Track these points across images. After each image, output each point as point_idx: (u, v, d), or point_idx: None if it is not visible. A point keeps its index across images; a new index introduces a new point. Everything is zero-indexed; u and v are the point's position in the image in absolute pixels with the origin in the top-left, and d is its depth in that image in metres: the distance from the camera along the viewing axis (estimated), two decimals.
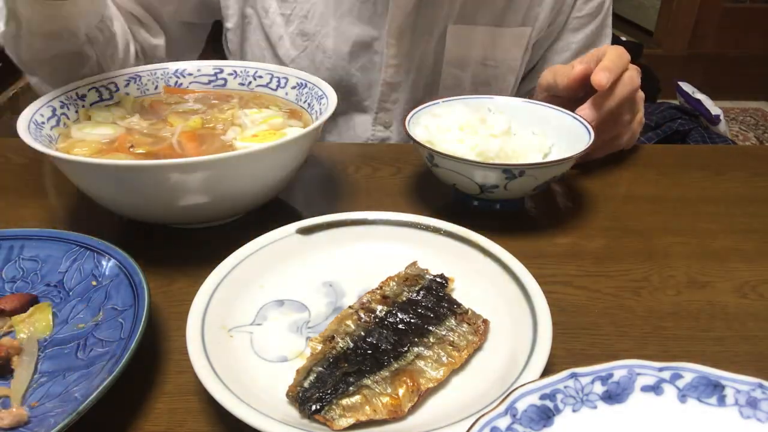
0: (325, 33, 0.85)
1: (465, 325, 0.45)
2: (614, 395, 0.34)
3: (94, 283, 0.48)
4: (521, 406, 0.33)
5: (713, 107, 1.98)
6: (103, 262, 0.49)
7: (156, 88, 0.71)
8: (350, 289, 0.49)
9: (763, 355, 0.46)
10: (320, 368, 0.40)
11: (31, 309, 0.46)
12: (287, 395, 0.39)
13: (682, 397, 0.34)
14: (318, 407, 0.38)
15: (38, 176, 0.70)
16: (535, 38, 0.89)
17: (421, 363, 0.42)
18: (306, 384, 0.39)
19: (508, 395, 0.33)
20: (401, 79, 0.88)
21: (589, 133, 0.61)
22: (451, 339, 0.44)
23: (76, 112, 0.63)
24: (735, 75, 3.20)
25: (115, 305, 0.45)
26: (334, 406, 0.38)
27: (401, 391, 0.39)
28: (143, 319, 0.42)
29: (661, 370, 0.35)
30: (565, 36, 0.90)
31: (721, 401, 0.34)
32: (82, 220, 0.59)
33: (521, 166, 0.56)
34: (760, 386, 0.34)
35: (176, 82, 0.72)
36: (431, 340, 0.43)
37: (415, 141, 0.60)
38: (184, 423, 0.40)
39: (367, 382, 0.40)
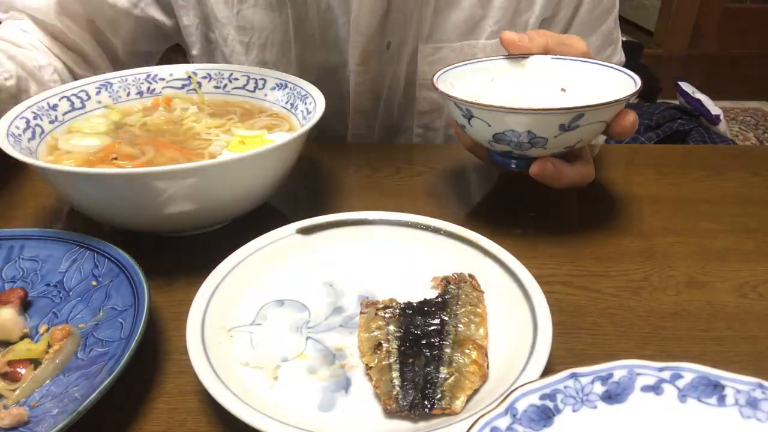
0: (286, 61, 0.81)
1: (463, 285, 0.48)
2: (614, 395, 0.34)
3: (94, 283, 0.48)
4: (521, 406, 0.33)
5: (713, 107, 1.98)
6: (104, 262, 0.49)
7: (128, 94, 0.69)
8: (350, 289, 0.49)
9: (763, 355, 0.46)
10: (397, 373, 0.40)
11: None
12: (386, 411, 0.38)
13: (682, 397, 0.34)
14: (432, 403, 0.38)
15: (38, 176, 0.70)
16: None
17: (462, 328, 0.44)
18: (398, 394, 0.39)
19: (508, 395, 0.33)
20: (373, 105, 0.83)
21: (635, 81, 0.57)
22: (464, 300, 0.46)
23: (51, 122, 0.62)
24: (735, 75, 3.20)
25: (115, 305, 0.45)
26: (441, 395, 0.39)
27: (474, 355, 0.41)
28: (143, 319, 0.42)
29: (661, 370, 0.35)
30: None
31: (721, 401, 0.34)
32: (82, 220, 0.59)
33: (579, 109, 0.51)
34: (760, 386, 0.34)
35: (149, 87, 0.70)
36: (454, 309, 0.45)
37: (449, 96, 0.55)
38: (184, 423, 0.40)
39: (446, 362, 0.41)
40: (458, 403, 0.38)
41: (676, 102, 2.16)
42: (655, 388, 0.34)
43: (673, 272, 0.55)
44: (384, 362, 0.41)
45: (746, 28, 3.17)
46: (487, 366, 0.41)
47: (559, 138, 0.53)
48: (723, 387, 0.34)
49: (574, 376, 0.34)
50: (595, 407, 0.34)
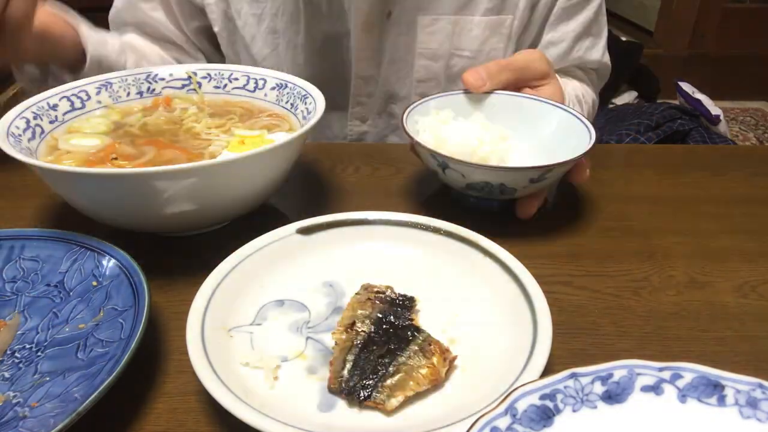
0: (295, 29, 0.86)
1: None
2: (614, 395, 0.34)
3: (94, 283, 0.48)
4: (521, 406, 0.33)
5: (713, 107, 1.98)
6: (104, 262, 0.49)
7: (128, 95, 0.69)
8: (350, 289, 0.49)
9: (763, 355, 0.46)
10: (353, 356, 0.42)
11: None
12: (329, 388, 0.40)
13: (682, 397, 0.34)
14: (366, 394, 0.39)
15: (38, 176, 0.70)
16: (520, 27, 0.87)
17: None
18: (345, 374, 0.40)
19: (508, 395, 0.33)
20: (374, 72, 0.88)
21: (590, 132, 0.61)
22: None
23: (51, 122, 0.62)
24: (735, 75, 3.20)
25: (116, 305, 0.45)
26: (380, 389, 0.39)
27: (435, 359, 0.41)
28: (143, 320, 0.42)
29: (661, 370, 0.35)
30: (559, 27, 0.88)
31: (721, 401, 0.34)
32: (82, 220, 0.59)
33: (548, 167, 0.55)
34: (760, 386, 0.34)
35: (149, 87, 0.70)
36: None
37: (426, 148, 0.58)
38: (184, 423, 0.40)
39: (402, 359, 0.41)
40: (393, 401, 0.39)
41: (676, 102, 2.16)
42: (655, 388, 0.34)
43: (673, 272, 0.55)
44: (347, 342, 0.42)
45: (746, 28, 3.17)
46: (446, 373, 0.41)
47: (528, 188, 0.58)
48: (723, 387, 0.34)
49: (574, 376, 0.34)
50: (595, 407, 0.34)
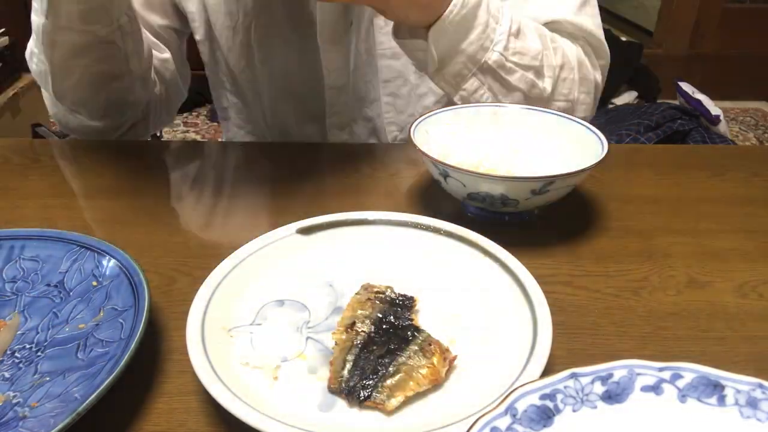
0: (269, 43, 0.86)
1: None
2: (614, 395, 0.34)
3: (94, 283, 0.48)
4: (521, 406, 0.33)
5: (713, 107, 1.98)
6: (104, 262, 0.49)
7: None
8: (350, 289, 0.49)
9: (763, 355, 0.46)
10: (353, 356, 0.42)
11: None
12: (329, 388, 0.40)
13: (682, 397, 0.34)
14: (366, 394, 0.39)
15: (38, 176, 0.70)
16: None
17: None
18: (345, 374, 0.40)
19: (508, 395, 0.33)
20: (345, 81, 0.88)
21: (602, 143, 0.60)
22: None
23: None
24: (735, 75, 3.20)
25: (116, 305, 0.45)
26: (380, 390, 0.39)
27: (435, 359, 0.41)
28: (143, 320, 0.42)
29: (661, 370, 0.35)
30: None
31: (721, 401, 0.34)
32: (82, 220, 0.59)
33: (550, 178, 0.54)
34: (760, 386, 0.34)
35: None
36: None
37: (426, 155, 0.58)
38: (184, 423, 0.40)
39: (402, 359, 0.41)
40: (393, 401, 0.39)
41: (676, 102, 2.16)
42: (655, 388, 0.34)
43: (673, 272, 0.55)
44: (348, 342, 0.43)
45: (746, 28, 3.17)
46: (446, 373, 0.41)
47: (530, 200, 0.57)
48: (723, 387, 0.34)
49: (574, 376, 0.34)
50: (595, 407, 0.34)
